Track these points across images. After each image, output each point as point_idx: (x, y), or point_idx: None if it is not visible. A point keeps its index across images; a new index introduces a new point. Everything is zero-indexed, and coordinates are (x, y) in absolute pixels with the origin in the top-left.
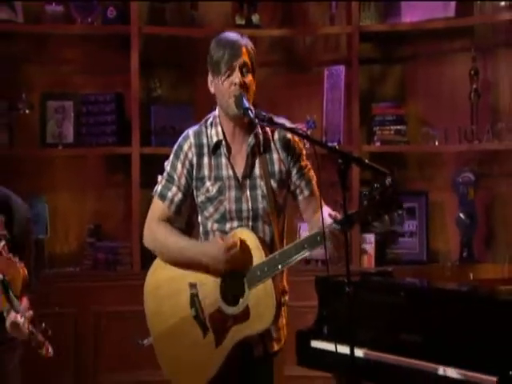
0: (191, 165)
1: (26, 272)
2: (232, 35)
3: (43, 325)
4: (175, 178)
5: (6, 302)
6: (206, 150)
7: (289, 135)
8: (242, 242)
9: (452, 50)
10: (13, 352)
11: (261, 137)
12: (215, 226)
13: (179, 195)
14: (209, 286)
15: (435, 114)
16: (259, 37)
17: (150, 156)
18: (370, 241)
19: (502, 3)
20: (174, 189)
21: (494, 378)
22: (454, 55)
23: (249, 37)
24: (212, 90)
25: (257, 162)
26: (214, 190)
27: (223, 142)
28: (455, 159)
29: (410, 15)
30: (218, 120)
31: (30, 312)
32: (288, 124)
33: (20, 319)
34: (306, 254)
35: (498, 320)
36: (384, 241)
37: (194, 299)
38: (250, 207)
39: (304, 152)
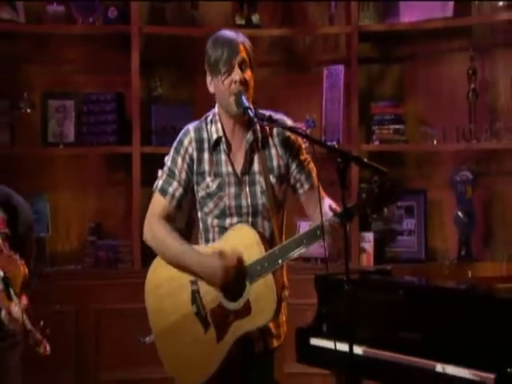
0: (191, 159)
1: (27, 270)
2: (228, 33)
3: (41, 323)
4: (176, 172)
5: (6, 299)
6: (206, 145)
7: None
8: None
9: (450, 49)
10: (14, 349)
11: (259, 133)
12: (215, 221)
13: (180, 190)
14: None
15: (433, 114)
16: (259, 37)
17: (150, 155)
18: (368, 239)
19: (500, 3)
20: (175, 184)
21: (492, 375)
22: (452, 55)
23: (249, 37)
24: (211, 89)
25: (255, 158)
26: (213, 186)
27: (223, 139)
28: (453, 158)
29: (409, 15)
30: (217, 117)
31: (25, 301)
32: (287, 120)
33: (14, 309)
34: (305, 248)
35: (495, 318)
36: (383, 239)
37: (195, 296)
38: (250, 203)
39: (303, 146)
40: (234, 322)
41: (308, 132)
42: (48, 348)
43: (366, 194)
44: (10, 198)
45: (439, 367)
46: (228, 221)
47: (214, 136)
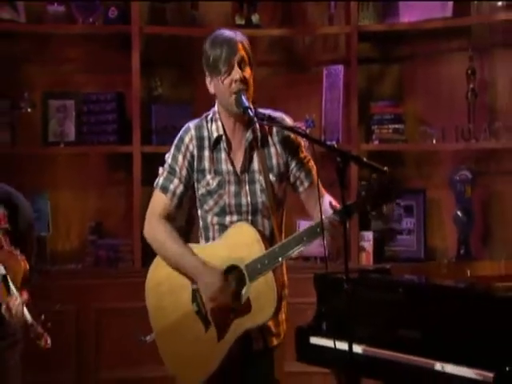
0: (192, 156)
1: (27, 265)
2: (226, 33)
3: (42, 316)
4: (177, 169)
5: (6, 294)
6: (206, 143)
7: None
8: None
9: (449, 49)
10: (14, 348)
11: (258, 132)
12: (215, 219)
13: (181, 187)
14: None
15: (433, 113)
16: (259, 37)
17: (150, 154)
18: (368, 238)
19: (499, 3)
20: (176, 181)
21: (491, 374)
22: (452, 55)
23: (248, 37)
24: (211, 90)
25: (255, 156)
26: (214, 184)
27: (223, 138)
28: (452, 157)
29: (408, 15)
30: (217, 116)
31: (25, 295)
32: (286, 118)
33: (15, 302)
34: (305, 245)
35: (494, 316)
36: (382, 238)
37: (196, 294)
38: (250, 201)
39: (303, 143)
40: (234, 321)
41: (308, 132)
42: (49, 341)
43: (365, 192)
44: (10, 195)
45: (438, 366)
46: (228, 219)
47: (215, 134)
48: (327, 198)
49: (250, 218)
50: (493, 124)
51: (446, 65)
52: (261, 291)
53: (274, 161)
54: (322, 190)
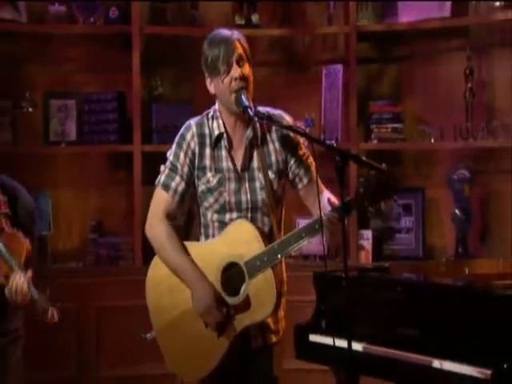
0: (193, 154)
1: (30, 246)
2: (223, 33)
3: (48, 291)
4: (178, 167)
5: (9, 271)
6: (207, 140)
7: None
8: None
9: (447, 49)
10: (16, 344)
11: (258, 129)
12: (215, 216)
13: (182, 184)
14: (209, 277)
15: (431, 112)
16: (259, 36)
17: (151, 154)
18: (367, 237)
19: (497, 3)
20: (178, 178)
21: (489, 371)
22: (450, 54)
23: (248, 37)
24: (212, 90)
25: (255, 154)
26: (214, 181)
27: (224, 135)
28: (451, 156)
29: (407, 15)
30: (218, 114)
31: (30, 273)
32: (286, 116)
33: (20, 280)
34: (304, 242)
35: (492, 314)
36: (381, 237)
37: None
38: (249, 199)
39: (302, 141)
40: (234, 317)
41: (307, 131)
42: (56, 315)
43: (363, 188)
44: (14, 190)
45: (436, 363)
46: (228, 216)
47: (216, 132)
48: (326, 195)
49: (249, 215)
50: (491, 123)
51: (444, 64)
52: (260, 288)
53: (273, 158)
54: (322, 186)
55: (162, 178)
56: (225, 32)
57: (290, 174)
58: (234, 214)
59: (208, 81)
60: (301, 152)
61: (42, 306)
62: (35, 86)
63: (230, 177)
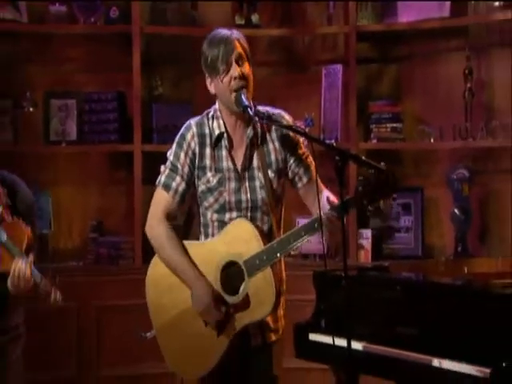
0: (194, 154)
1: (31, 232)
2: (222, 32)
3: (50, 272)
4: (179, 167)
5: (10, 259)
6: (208, 140)
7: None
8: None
9: (447, 49)
10: (16, 342)
11: (259, 129)
12: (215, 216)
13: (183, 184)
14: (209, 276)
15: (430, 112)
16: (258, 36)
17: (151, 153)
18: (366, 236)
19: (496, 3)
20: (178, 178)
21: (488, 370)
22: (449, 54)
23: (248, 36)
24: (212, 90)
25: (255, 153)
26: (214, 181)
27: (225, 135)
28: (450, 156)
29: (406, 15)
30: (218, 113)
31: (31, 257)
32: (285, 115)
33: (22, 265)
34: (303, 241)
35: (491, 313)
36: (380, 236)
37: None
38: (249, 198)
39: (301, 140)
40: (233, 316)
41: (307, 130)
42: (59, 296)
43: (362, 187)
44: (13, 184)
45: (436, 362)
46: (227, 215)
47: (216, 131)
48: (325, 194)
49: (249, 214)
50: (490, 123)
51: (443, 64)
52: (259, 287)
53: (273, 157)
54: (321, 185)
55: (162, 178)
56: (224, 32)
57: (290, 173)
58: (234, 214)
59: (208, 81)
60: (300, 151)
61: (44, 289)
62: (36, 85)
63: (230, 176)
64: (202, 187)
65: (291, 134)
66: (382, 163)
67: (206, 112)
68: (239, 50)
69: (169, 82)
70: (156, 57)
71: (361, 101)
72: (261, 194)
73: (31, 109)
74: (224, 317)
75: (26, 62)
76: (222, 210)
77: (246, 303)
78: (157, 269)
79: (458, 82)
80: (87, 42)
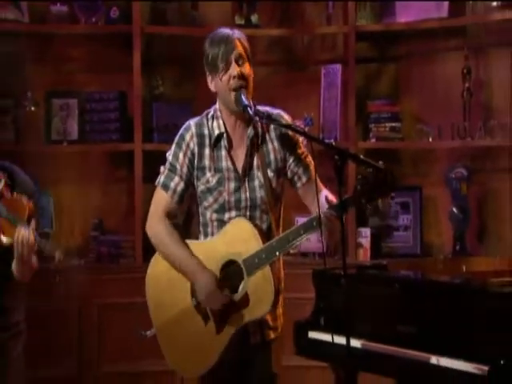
0: (193, 154)
1: (31, 204)
2: (224, 31)
3: (50, 235)
4: (177, 167)
5: (12, 228)
6: (207, 141)
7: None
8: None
9: (445, 49)
10: (17, 339)
11: (259, 128)
12: (214, 215)
13: (182, 185)
14: None
15: (429, 112)
16: (258, 36)
17: (152, 152)
18: (365, 235)
19: (494, 3)
20: (177, 179)
21: (486, 367)
22: (447, 54)
23: (248, 36)
24: (213, 88)
25: (255, 153)
26: (213, 181)
27: (224, 135)
28: (448, 155)
29: (405, 15)
30: (218, 113)
31: (33, 224)
32: (284, 115)
33: (25, 232)
34: (302, 239)
35: (489, 311)
36: (379, 235)
37: (195, 289)
38: (248, 197)
39: (300, 140)
40: (232, 314)
41: (306, 130)
42: (61, 255)
43: (360, 186)
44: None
45: (434, 359)
46: (227, 215)
47: (216, 132)
48: (324, 193)
49: (248, 213)
50: (488, 122)
51: (441, 64)
52: (258, 285)
53: (272, 156)
54: (320, 184)
55: (161, 178)
56: (226, 31)
57: (289, 173)
58: (233, 213)
59: (209, 79)
60: (299, 151)
61: (48, 252)
62: (37, 85)
63: (229, 176)
64: (201, 187)
65: (290, 133)
66: (381, 162)
67: (205, 112)
68: (240, 49)
69: (169, 82)
70: (156, 56)
71: (360, 100)
72: (260, 193)
73: (33, 108)
74: (229, 301)
75: (28, 61)
76: (222, 209)
77: (245, 301)
78: (157, 267)
79: (457, 82)
80: (88, 42)
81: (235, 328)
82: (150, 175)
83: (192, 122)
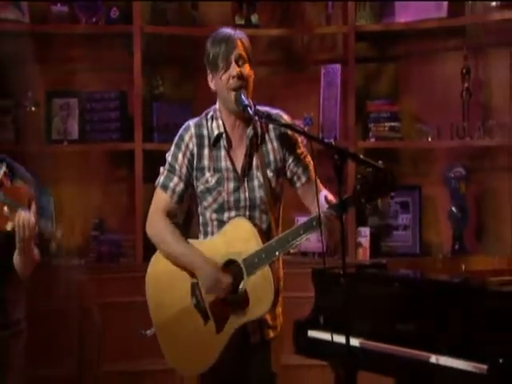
0: (192, 155)
1: (32, 191)
2: (225, 31)
3: (50, 215)
4: (177, 168)
5: (12, 213)
6: (206, 141)
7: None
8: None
9: (444, 49)
10: (18, 337)
11: (259, 128)
12: (213, 215)
13: (181, 185)
14: None
15: (428, 111)
16: (258, 36)
17: (152, 152)
18: (365, 234)
19: (493, 3)
20: (176, 179)
21: (485, 366)
22: (447, 54)
23: (248, 36)
24: (213, 87)
25: (254, 153)
26: (213, 181)
27: (224, 135)
28: (447, 155)
29: (404, 15)
30: (218, 113)
31: (33, 208)
32: (284, 116)
33: (25, 215)
34: (302, 239)
35: (488, 310)
36: (378, 234)
37: (195, 288)
38: (248, 197)
39: (300, 139)
40: (232, 313)
41: (306, 129)
42: (60, 234)
43: (360, 186)
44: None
45: (433, 358)
46: (226, 215)
47: (215, 132)
48: (323, 193)
49: (247, 213)
50: (487, 122)
51: (441, 64)
52: (258, 285)
53: (272, 156)
54: (320, 184)
55: (161, 179)
56: (228, 31)
57: (288, 173)
58: (233, 213)
59: (209, 77)
60: (299, 151)
61: (49, 234)
62: (38, 85)
63: (228, 176)
64: (200, 187)
65: (290, 133)
66: (380, 162)
67: (205, 112)
68: (240, 49)
69: (169, 82)
70: (156, 56)
71: (359, 100)
72: (259, 193)
73: (33, 108)
74: (226, 305)
75: (28, 61)
76: (221, 209)
77: (245, 301)
78: (157, 266)
79: (456, 82)
80: (89, 42)
81: (235, 327)
82: (151, 175)
83: (191, 123)
